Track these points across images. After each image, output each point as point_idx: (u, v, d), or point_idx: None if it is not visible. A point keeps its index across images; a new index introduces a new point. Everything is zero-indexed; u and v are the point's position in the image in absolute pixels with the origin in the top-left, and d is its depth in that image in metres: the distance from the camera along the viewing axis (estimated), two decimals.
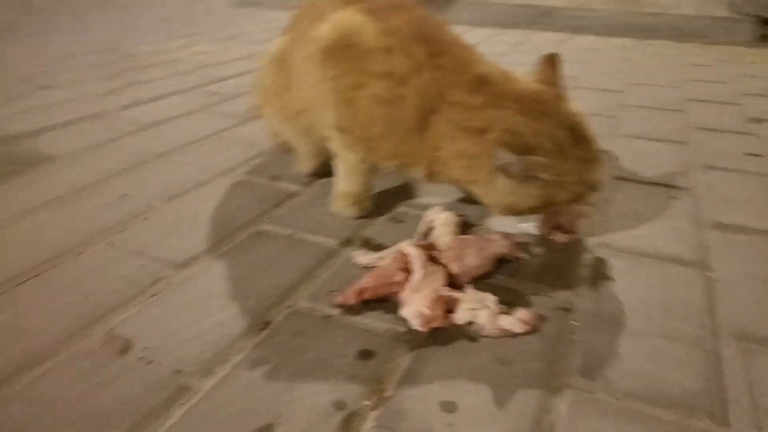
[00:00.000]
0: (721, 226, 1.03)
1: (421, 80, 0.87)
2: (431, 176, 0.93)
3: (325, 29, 0.95)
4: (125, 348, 0.68)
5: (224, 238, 0.94)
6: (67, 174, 1.16)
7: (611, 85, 2.03)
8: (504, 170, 0.81)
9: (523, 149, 0.79)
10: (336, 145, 1.00)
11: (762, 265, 0.91)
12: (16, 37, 2.60)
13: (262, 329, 0.72)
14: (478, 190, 0.89)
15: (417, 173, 0.93)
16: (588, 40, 2.95)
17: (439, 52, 0.89)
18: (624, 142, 1.47)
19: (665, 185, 1.20)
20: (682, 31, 3.02)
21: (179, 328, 0.72)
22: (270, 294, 0.80)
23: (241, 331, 0.72)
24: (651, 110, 1.75)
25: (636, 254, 0.93)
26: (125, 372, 0.64)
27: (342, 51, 0.93)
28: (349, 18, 0.94)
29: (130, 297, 0.77)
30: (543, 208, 0.87)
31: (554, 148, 0.81)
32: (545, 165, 0.81)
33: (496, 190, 0.85)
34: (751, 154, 1.39)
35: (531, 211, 0.87)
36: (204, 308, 0.76)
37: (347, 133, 0.96)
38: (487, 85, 0.86)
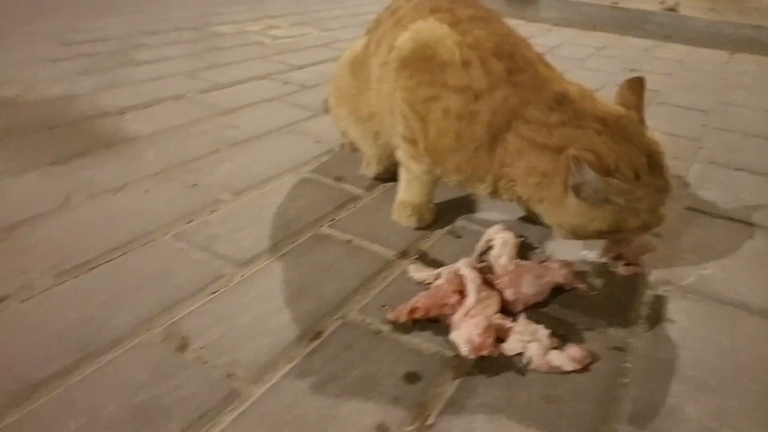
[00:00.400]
0: None
1: (496, 97, 0.86)
2: (495, 193, 0.92)
3: (406, 38, 0.95)
4: (183, 345, 0.71)
5: (286, 238, 0.96)
6: (145, 157, 1.22)
7: (697, 103, 1.93)
8: (579, 190, 0.79)
9: (602, 170, 0.76)
10: (403, 154, 1.01)
11: None
12: (105, 9, 2.73)
13: (314, 339, 0.74)
14: (544, 210, 0.87)
15: (481, 189, 0.93)
16: (677, 50, 2.81)
17: (518, 69, 0.88)
18: (703, 169, 1.40)
19: (743, 222, 1.14)
20: None
21: (235, 329, 0.75)
22: (325, 302, 0.81)
23: (293, 339, 0.74)
24: (738, 135, 1.65)
25: (702, 296, 0.89)
26: (181, 369, 0.68)
27: (419, 62, 0.92)
28: (429, 29, 0.94)
29: (191, 293, 0.81)
30: (609, 234, 0.84)
31: (631, 174, 0.78)
32: (622, 189, 0.78)
33: (565, 211, 0.83)
34: None
35: (596, 236, 0.84)
36: (260, 311, 0.78)
37: (415, 144, 0.96)
38: (566, 104, 0.84)
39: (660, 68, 2.40)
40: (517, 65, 0.88)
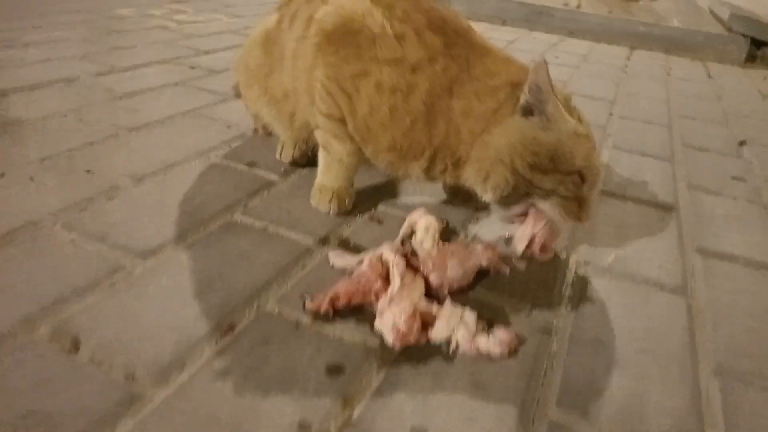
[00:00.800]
0: (704, 252, 1.01)
1: (435, 68, 0.84)
2: (429, 170, 0.89)
3: (328, 12, 0.90)
4: (75, 345, 0.63)
5: (193, 227, 0.88)
6: (30, 143, 1.09)
7: (601, 93, 2.01)
8: (527, 108, 0.79)
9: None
10: (323, 135, 0.95)
11: (743, 296, 0.89)
12: None
13: (227, 333, 0.68)
14: (479, 156, 0.83)
15: (415, 167, 0.89)
16: (581, 44, 2.93)
17: (454, 43, 0.85)
18: (612, 154, 1.44)
19: (651, 204, 1.18)
20: (673, 44, 3.02)
21: (136, 326, 0.67)
22: (238, 293, 0.75)
23: (202, 334, 0.67)
24: (639, 123, 1.73)
25: (619, 275, 0.91)
26: (72, 372, 0.59)
27: (345, 36, 0.88)
28: (353, 2, 0.89)
29: (84, 287, 0.72)
30: (546, 182, 0.80)
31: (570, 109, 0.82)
32: (563, 116, 0.79)
33: (505, 137, 0.80)
34: (736, 178, 1.38)
35: (531, 183, 0.80)
36: (164, 305, 0.71)
37: (341, 123, 0.91)
38: (506, 70, 0.84)
39: (567, 61, 2.48)
40: (453, 39, 0.86)
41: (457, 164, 0.87)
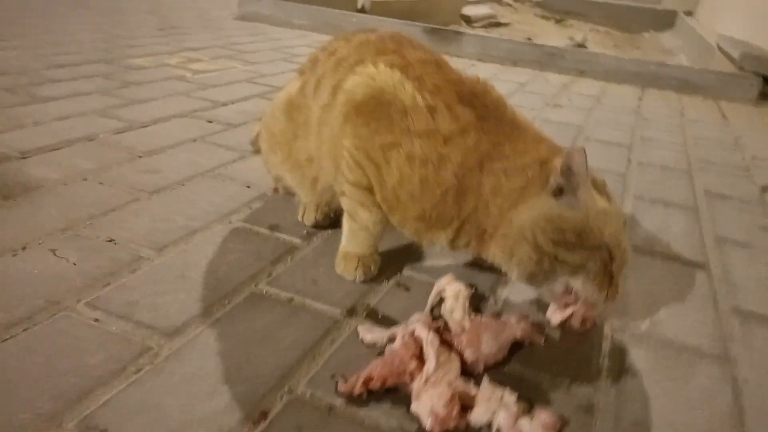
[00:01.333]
0: (740, 313, 0.98)
1: (467, 141, 0.83)
2: (454, 241, 0.87)
3: (357, 83, 0.90)
4: None
5: (218, 300, 0.87)
6: (51, 210, 1.08)
7: (617, 139, 2.00)
8: (556, 189, 0.78)
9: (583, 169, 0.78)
10: (349, 203, 0.94)
11: None
12: (1, 36, 2.52)
13: (258, 422, 0.65)
14: (506, 243, 0.82)
15: (441, 238, 0.88)
16: (592, 85, 2.94)
17: (485, 117, 0.85)
18: (635, 204, 1.42)
19: (679, 260, 1.15)
20: (684, 83, 3.02)
21: (164, 420, 0.64)
22: (267, 376, 0.72)
23: (233, 425, 0.64)
24: (659, 170, 1.71)
25: (656, 342, 0.88)
26: None
27: (376, 108, 0.87)
28: (384, 73, 0.89)
29: (110, 374, 0.70)
30: (572, 261, 0.79)
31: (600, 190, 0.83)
32: (589, 192, 0.79)
33: (531, 215, 0.79)
34: (764, 228, 1.36)
35: (557, 260, 0.79)
36: (192, 394, 0.68)
37: (370, 192, 0.90)
38: (536, 148, 0.84)
39: (580, 104, 2.48)
40: (483, 113, 0.86)
41: (482, 239, 0.86)
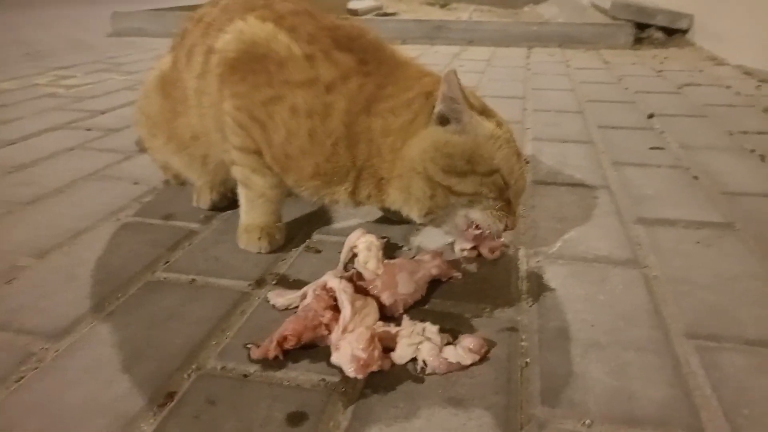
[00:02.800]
0: (644, 221, 1.01)
1: (350, 86, 0.79)
2: (355, 192, 0.84)
3: (228, 41, 0.84)
4: None
5: (111, 293, 0.79)
6: None
7: (511, 92, 2.04)
8: (442, 116, 0.76)
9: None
10: (241, 171, 0.89)
11: (692, 257, 0.88)
12: None
13: (166, 402, 0.59)
14: (401, 182, 0.80)
15: (341, 192, 0.84)
16: (482, 51, 3.00)
17: (365, 60, 0.82)
18: (535, 145, 1.45)
19: (582, 185, 1.18)
20: (566, 38, 3.15)
21: (58, 416, 0.57)
22: (172, 356, 0.66)
23: (138, 410, 0.58)
24: (553, 113, 1.76)
25: (570, 259, 0.88)
26: None
27: (251, 63, 0.82)
28: (255, 27, 0.84)
29: None
30: (469, 186, 0.77)
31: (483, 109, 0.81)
32: (471, 115, 0.77)
33: (423, 149, 0.77)
34: (654, 148, 1.42)
35: (449, 200, 0.78)
36: (90, 386, 0.61)
37: (258, 155, 0.85)
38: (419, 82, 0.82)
39: (473, 68, 2.52)
40: (363, 56, 0.83)
41: (381, 186, 0.83)
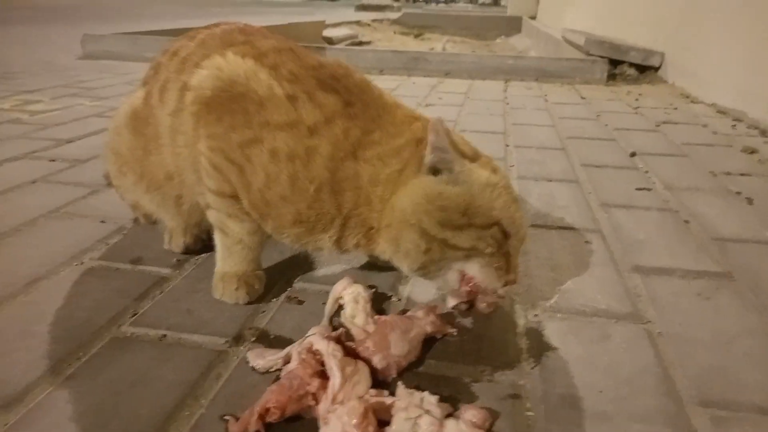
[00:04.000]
0: (640, 270, 0.97)
1: (335, 130, 0.74)
2: (340, 241, 0.77)
3: (204, 77, 0.78)
4: None
5: (71, 353, 0.71)
6: None
7: (492, 127, 2.02)
8: (434, 167, 0.71)
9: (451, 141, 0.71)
10: (217, 215, 0.82)
11: (692, 312, 0.85)
12: None
13: None
14: (390, 233, 0.73)
15: (325, 240, 0.77)
16: (459, 84, 3.00)
17: (351, 103, 0.76)
18: (521, 184, 1.41)
19: (572, 228, 1.14)
20: (542, 72, 3.17)
21: None
22: (140, 429, 0.59)
23: None
24: (535, 150, 1.74)
25: (568, 313, 0.84)
26: None
27: (228, 102, 0.76)
28: (234, 63, 0.78)
29: None
30: (465, 241, 0.70)
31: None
32: (465, 165, 0.72)
33: (415, 200, 0.70)
34: (640, 189, 1.40)
35: (445, 255, 0.71)
36: None
37: (235, 200, 0.79)
38: (409, 128, 0.77)
39: (450, 101, 2.51)
40: (348, 98, 0.77)
41: (371, 235, 0.76)
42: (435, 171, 0.71)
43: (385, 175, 0.74)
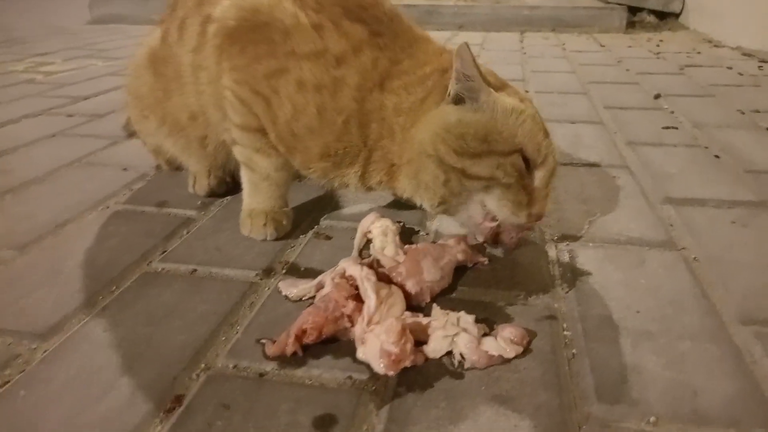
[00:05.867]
0: (672, 201, 0.95)
1: (363, 59, 0.71)
2: (365, 176, 0.76)
3: (226, 7, 0.76)
4: None
5: (103, 288, 0.71)
6: None
7: (511, 75, 1.97)
8: (457, 95, 0.67)
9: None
10: (243, 151, 0.81)
11: (730, 237, 0.83)
12: None
13: (174, 408, 0.52)
14: (411, 168, 0.71)
15: (350, 176, 0.76)
16: (474, 36, 2.93)
17: (379, 32, 0.74)
18: None
19: (602, 165, 1.12)
20: (559, 22, 3.09)
21: (52, 425, 0.49)
22: (177, 356, 0.59)
23: (140, 420, 0.50)
24: (557, 95, 1.70)
25: (602, 242, 0.82)
26: None
27: (252, 32, 0.74)
28: None
29: None
30: (488, 168, 0.66)
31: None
32: (489, 91, 0.68)
33: (436, 130, 0.67)
34: (667, 128, 1.36)
35: (464, 186, 0.68)
36: (81, 394, 0.54)
37: (262, 134, 0.77)
38: (438, 58, 0.74)
39: None
40: (376, 28, 0.74)
41: (392, 172, 0.74)
42: (459, 100, 0.68)
43: (409, 104, 0.71)
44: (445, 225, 0.87)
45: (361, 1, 0.78)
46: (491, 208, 0.69)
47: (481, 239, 0.74)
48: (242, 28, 0.75)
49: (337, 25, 0.73)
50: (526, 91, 1.74)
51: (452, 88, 0.67)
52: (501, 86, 0.73)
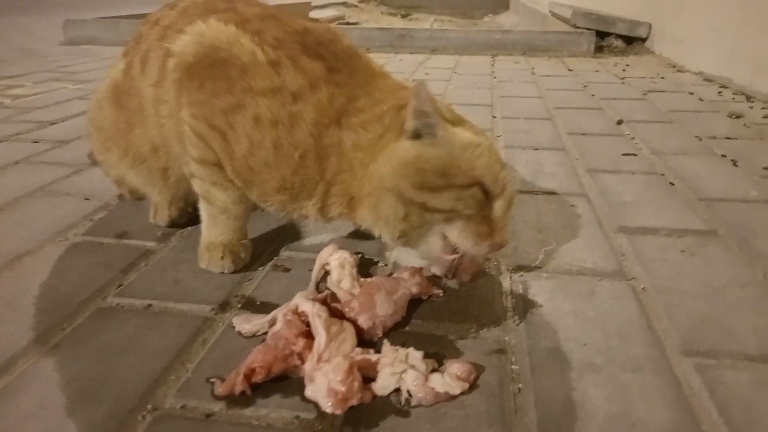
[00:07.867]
0: (625, 230, 0.98)
1: (320, 96, 0.73)
2: (323, 209, 0.77)
3: (186, 43, 0.77)
4: None
5: (56, 324, 0.71)
6: None
7: (479, 100, 2.01)
8: (415, 130, 0.68)
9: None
10: (201, 184, 0.82)
11: (678, 266, 0.85)
12: None
13: None
14: (371, 201, 0.72)
15: (309, 208, 0.77)
16: (446, 59, 2.98)
17: (336, 69, 0.75)
18: (507, 153, 1.41)
19: (559, 193, 1.14)
20: (529, 46, 3.16)
21: None
22: (127, 395, 0.59)
23: None
24: (522, 120, 1.73)
25: (554, 272, 0.84)
26: None
27: (210, 68, 0.75)
28: (216, 29, 0.77)
29: None
30: (440, 215, 0.68)
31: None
32: (448, 129, 0.70)
33: (395, 165, 0.68)
34: (626, 154, 1.40)
35: (424, 220, 0.69)
36: None
37: (219, 167, 0.78)
38: (394, 95, 0.76)
39: (438, 76, 2.49)
40: (333, 64, 0.76)
41: (352, 204, 0.75)
42: (417, 136, 0.70)
43: (367, 141, 0.73)
44: (404, 256, 0.89)
45: (320, 37, 0.80)
46: (453, 239, 0.70)
47: (439, 273, 0.75)
48: (201, 64, 0.76)
49: (294, 62, 0.75)
50: (494, 117, 1.77)
51: (410, 124, 0.69)
52: (457, 121, 0.75)
